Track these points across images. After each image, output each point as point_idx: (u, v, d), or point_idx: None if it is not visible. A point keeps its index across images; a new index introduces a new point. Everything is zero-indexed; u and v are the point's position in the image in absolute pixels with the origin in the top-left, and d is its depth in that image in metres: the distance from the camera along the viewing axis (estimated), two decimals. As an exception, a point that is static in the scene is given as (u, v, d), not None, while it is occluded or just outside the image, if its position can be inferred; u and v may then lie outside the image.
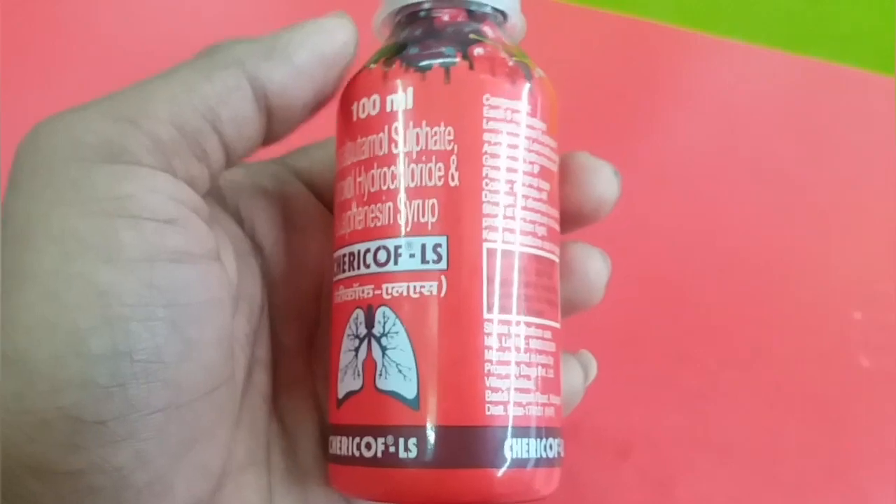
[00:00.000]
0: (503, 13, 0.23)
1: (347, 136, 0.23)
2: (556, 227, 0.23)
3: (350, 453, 0.21)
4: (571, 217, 0.24)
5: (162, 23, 0.46)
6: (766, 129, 0.47)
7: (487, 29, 0.23)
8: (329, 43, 0.22)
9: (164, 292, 0.18)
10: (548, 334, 0.22)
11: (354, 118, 0.22)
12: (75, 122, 0.19)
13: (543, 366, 0.22)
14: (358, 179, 0.22)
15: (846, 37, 0.51)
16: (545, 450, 0.21)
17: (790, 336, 0.40)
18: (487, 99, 0.21)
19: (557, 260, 0.23)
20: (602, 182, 0.24)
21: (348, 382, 0.21)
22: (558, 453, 0.22)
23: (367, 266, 0.21)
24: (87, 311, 0.18)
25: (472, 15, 0.23)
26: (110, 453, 0.18)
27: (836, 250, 0.43)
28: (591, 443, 0.36)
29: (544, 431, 0.21)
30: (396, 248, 0.21)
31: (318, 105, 0.23)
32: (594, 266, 0.25)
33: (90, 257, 0.18)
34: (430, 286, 0.21)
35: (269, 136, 0.22)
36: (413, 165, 0.21)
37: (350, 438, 0.21)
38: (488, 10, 0.23)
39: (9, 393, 0.17)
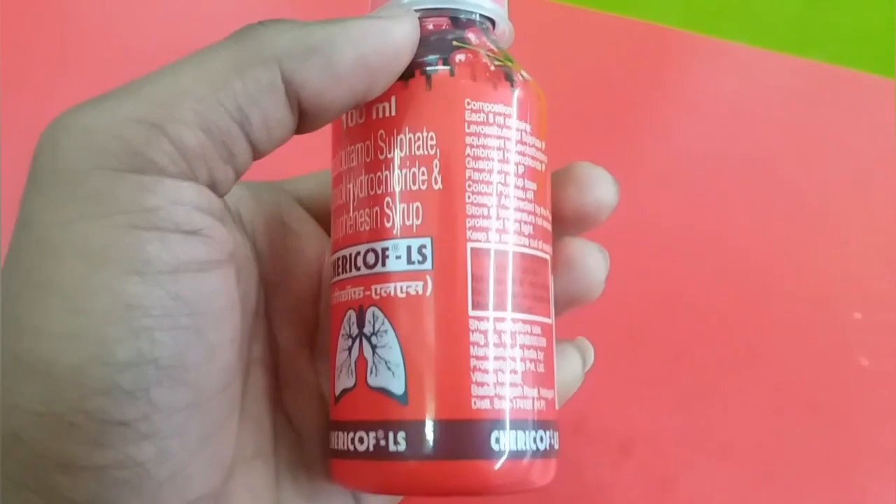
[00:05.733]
0: (490, 20, 0.24)
1: (339, 144, 0.24)
2: (546, 225, 0.24)
3: (346, 447, 0.22)
4: (575, 220, 0.25)
5: (166, 22, 0.47)
6: (767, 130, 0.47)
7: (472, 35, 0.23)
8: (376, 50, 0.20)
9: (188, 302, 0.19)
10: (536, 329, 0.22)
11: (344, 127, 0.23)
12: (98, 128, 0.18)
13: (532, 360, 0.22)
14: (349, 186, 0.23)
15: (847, 39, 0.51)
16: (535, 442, 0.22)
17: (790, 336, 0.40)
18: (468, 103, 0.22)
19: (548, 257, 0.24)
20: (600, 186, 0.25)
21: (343, 380, 0.22)
22: (550, 445, 0.22)
23: (358, 268, 0.22)
24: (113, 323, 0.18)
25: (456, 22, 0.24)
26: (134, 450, 0.18)
27: (837, 251, 0.43)
28: (594, 439, 0.36)
29: (533, 424, 0.22)
30: (384, 250, 0.22)
31: (356, 106, 0.22)
32: (593, 260, 0.25)
33: (116, 270, 0.18)
34: (417, 286, 0.21)
35: (299, 131, 0.21)
36: (398, 171, 0.22)
37: (346, 433, 0.22)
38: (474, 17, 0.24)
39: (34, 398, 0.18)
